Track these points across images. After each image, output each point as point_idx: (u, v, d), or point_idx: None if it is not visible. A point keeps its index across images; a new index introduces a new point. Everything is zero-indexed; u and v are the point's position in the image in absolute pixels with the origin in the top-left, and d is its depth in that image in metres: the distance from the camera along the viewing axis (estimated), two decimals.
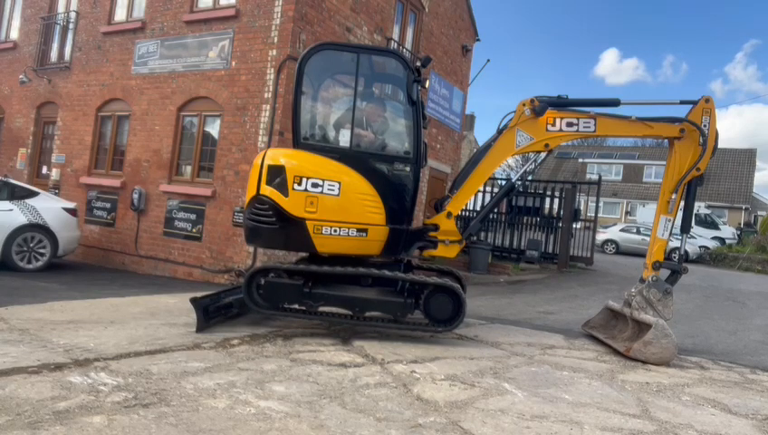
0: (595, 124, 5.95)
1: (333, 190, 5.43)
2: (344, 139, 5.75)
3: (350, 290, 5.48)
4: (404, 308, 5.39)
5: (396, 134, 6.00)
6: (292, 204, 5.38)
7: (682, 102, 6.07)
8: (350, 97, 5.78)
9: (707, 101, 6.02)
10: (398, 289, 5.51)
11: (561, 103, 5.97)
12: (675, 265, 6.23)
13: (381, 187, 5.51)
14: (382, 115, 6.07)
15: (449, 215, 5.95)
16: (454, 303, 5.37)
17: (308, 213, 5.38)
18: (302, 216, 5.38)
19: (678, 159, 6.23)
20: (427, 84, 6.05)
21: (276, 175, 5.43)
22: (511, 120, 6.01)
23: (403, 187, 5.64)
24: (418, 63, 5.94)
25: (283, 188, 5.40)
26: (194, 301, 5.24)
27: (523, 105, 5.92)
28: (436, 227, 5.93)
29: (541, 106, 5.87)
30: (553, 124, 5.94)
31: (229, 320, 5.63)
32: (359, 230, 5.46)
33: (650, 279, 5.91)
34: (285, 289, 5.44)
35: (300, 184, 5.40)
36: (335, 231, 5.43)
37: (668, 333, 5.32)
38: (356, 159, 5.53)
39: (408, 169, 5.66)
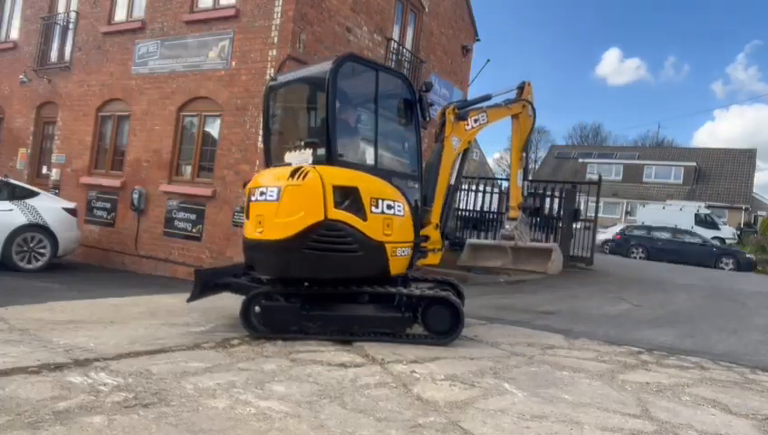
0: (487, 116, 7.12)
1: (401, 211, 5.38)
2: (370, 156, 5.61)
3: (347, 309, 5.34)
4: (402, 323, 5.32)
5: (406, 153, 6.07)
6: (372, 228, 5.14)
7: (517, 89, 8.02)
8: (370, 113, 5.68)
9: (529, 84, 8.02)
10: (396, 304, 5.41)
11: (466, 105, 6.91)
12: (528, 204, 8.66)
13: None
14: (397, 133, 6.05)
15: (437, 226, 6.11)
16: (452, 314, 5.33)
17: (385, 236, 5.23)
18: (382, 239, 5.19)
19: (520, 127, 8.00)
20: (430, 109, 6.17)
21: (346, 197, 5.08)
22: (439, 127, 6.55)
23: (416, 203, 5.73)
24: (423, 88, 5.97)
25: (359, 212, 5.10)
26: (197, 272, 5.26)
27: (449, 113, 6.42)
28: (426, 238, 5.99)
29: (463, 111, 6.59)
30: (468, 124, 6.75)
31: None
32: (410, 248, 5.52)
33: (520, 216, 7.98)
34: (283, 312, 5.19)
35: (377, 206, 5.17)
36: (403, 252, 5.39)
37: (559, 251, 7.76)
38: (381, 177, 5.42)
39: (416, 186, 5.81)
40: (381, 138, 5.71)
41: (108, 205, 11.20)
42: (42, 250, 9.30)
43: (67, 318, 5.31)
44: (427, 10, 12.80)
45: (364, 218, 5.12)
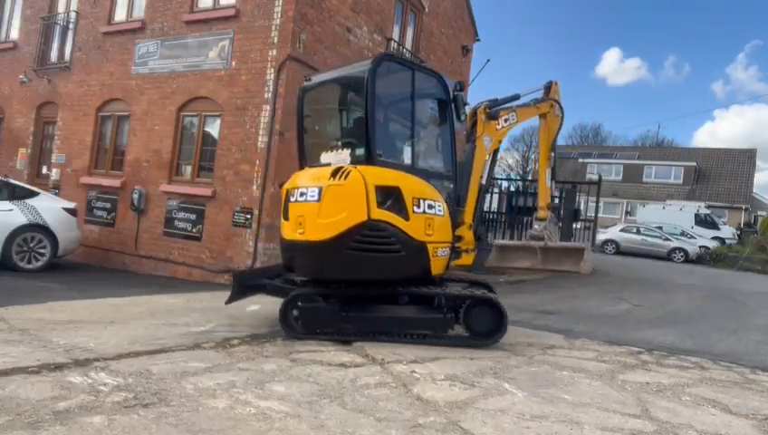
0: (516, 115, 7.27)
1: (441, 211, 5.35)
2: (407, 156, 5.58)
3: (387, 310, 5.28)
4: (444, 324, 5.27)
5: (441, 153, 6.02)
6: (414, 228, 5.11)
7: (544, 88, 8.30)
8: (407, 113, 5.64)
9: (556, 84, 8.26)
10: (435, 305, 5.36)
11: (496, 105, 6.95)
12: (556, 204, 8.95)
13: None
14: (432, 133, 6.02)
15: (470, 226, 6.14)
16: (495, 315, 5.30)
17: (427, 236, 5.20)
18: (424, 239, 5.17)
19: (548, 126, 8.19)
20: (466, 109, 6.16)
21: (388, 197, 5.05)
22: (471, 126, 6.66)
23: (452, 203, 5.74)
24: (457, 87, 5.91)
25: (402, 212, 5.07)
26: (234, 274, 5.30)
27: (480, 113, 6.48)
28: (459, 239, 5.97)
29: (494, 111, 6.65)
30: (498, 123, 6.84)
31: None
32: (450, 249, 5.49)
33: (549, 217, 8.27)
34: (322, 314, 5.16)
35: (419, 206, 5.14)
36: (443, 252, 5.36)
37: (590, 250, 7.83)
38: (419, 177, 5.39)
39: (451, 186, 5.81)
40: (417, 137, 5.70)
41: (108, 205, 11.20)
42: (42, 250, 9.30)
43: (67, 318, 5.31)
44: (427, 10, 12.81)
45: (406, 218, 5.09)
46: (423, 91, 5.79)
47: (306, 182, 5.31)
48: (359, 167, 5.08)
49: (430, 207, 5.23)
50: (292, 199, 5.35)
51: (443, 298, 5.34)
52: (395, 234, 5.02)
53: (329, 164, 5.40)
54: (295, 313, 5.18)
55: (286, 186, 5.58)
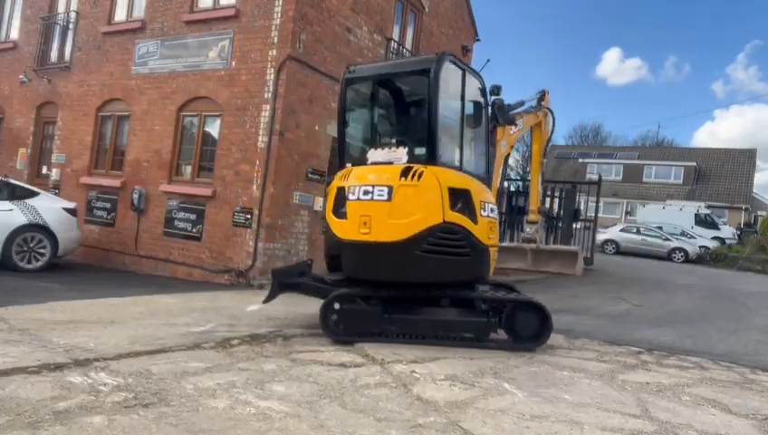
0: (523, 122, 7.35)
1: (496, 214, 5.41)
2: (456, 158, 5.49)
3: (430, 313, 5.22)
4: (487, 327, 5.24)
5: (480, 156, 6.01)
6: (481, 231, 5.10)
7: (537, 96, 8.48)
8: (455, 113, 5.54)
9: (547, 93, 8.52)
10: (476, 307, 5.33)
11: (509, 109, 7.05)
12: (545, 208, 9.24)
13: None
14: (473, 135, 5.95)
15: None
16: (539, 318, 5.28)
17: (489, 239, 5.22)
18: (487, 243, 5.20)
19: (542, 134, 8.30)
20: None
21: (458, 199, 5.03)
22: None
23: None
24: (495, 91, 5.93)
25: (471, 214, 5.07)
26: (274, 272, 5.29)
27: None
28: None
29: (511, 115, 6.81)
30: (512, 129, 6.91)
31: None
32: (498, 251, 5.54)
33: (541, 220, 8.61)
34: (364, 316, 5.07)
35: (484, 210, 5.15)
36: (496, 255, 5.40)
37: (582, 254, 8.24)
38: None
39: (488, 188, 5.83)
40: (465, 139, 5.64)
41: (108, 205, 11.19)
42: (42, 250, 9.29)
43: (67, 318, 5.31)
44: (427, 10, 12.80)
45: (475, 222, 5.09)
46: (470, 93, 5.72)
47: (370, 180, 5.14)
48: (429, 167, 5.03)
49: (492, 210, 5.30)
50: (351, 197, 5.17)
51: (488, 302, 5.29)
52: (466, 237, 5.02)
53: (390, 162, 5.28)
54: (335, 314, 5.07)
55: (338, 183, 5.41)
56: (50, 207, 9.52)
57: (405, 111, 5.99)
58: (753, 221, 35.47)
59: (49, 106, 12.76)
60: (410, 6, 12.32)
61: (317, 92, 9.78)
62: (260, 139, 9.30)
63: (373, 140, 5.89)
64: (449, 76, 5.48)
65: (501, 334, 5.43)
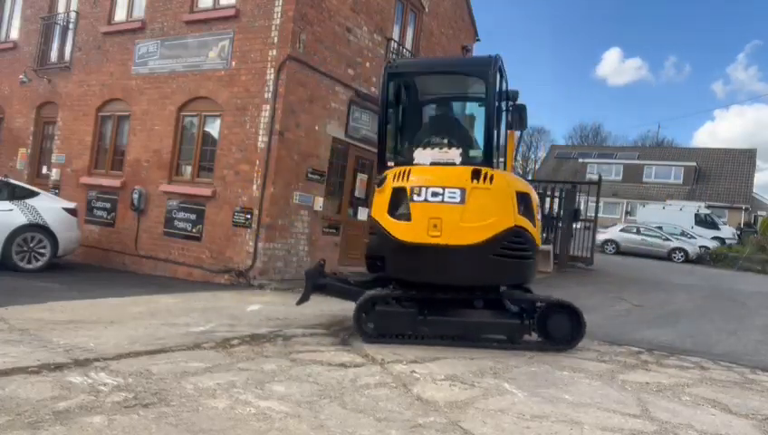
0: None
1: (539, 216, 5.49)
2: (496, 161, 5.46)
3: (465, 315, 5.22)
4: (521, 329, 5.26)
5: (504, 159, 6.02)
6: (537, 234, 5.18)
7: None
8: (494, 116, 5.47)
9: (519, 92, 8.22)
10: (508, 309, 5.36)
11: None
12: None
13: None
14: (502, 139, 5.94)
15: None
16: (572, 320, 5.31)
17: (540, 242, 5.37)
18: (539, 244, 5.31)
19: (514, 136, 8.02)
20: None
21: (522, 203, 5.05)
22: None
23: None
24: (514, 96, 5.82)
25: (531, 218, 5.13)
26: (307, 273, 5.29)
27: None
28: None
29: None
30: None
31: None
32: None
33: None
34: (399, 318, 5.06)
35: (539, 213, 5.27)
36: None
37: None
38: None
39: None
40: (500, 143, 5.66)
41: (108, 205, 11.19)
42: (42, 250, 9.29)
43: (67, 318, 5.31)
44: (427, 10, 12.80)
45: (534, 225, 5.17)
46: (512, 96, 5.72)
47: (437, 181, 5.06)
48: (496, 171, 5.09)
49: (538, 211, 5.40)
50: (416, 199, 5.07)
51: (523, 303, 5.34)
52: (530, 240, 5.07)
53: (452, 163, 5.25)
54: (370, 316, 5.06)
55: (396, 183, 5.22)
56: (50, 207, 9.52)
57: (453, 111, 5.97)
58: (753, 221, 35.47)
59: (49, 106, 12.76)
60: (410, 6, 12.32)
61: (317, 92, 9.78)
62: (260, 139, 9.30)
63: (420, 139, 5.73)
64: (500, 79, 5.53)
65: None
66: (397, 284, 5.27)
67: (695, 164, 39.53)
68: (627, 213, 38.68)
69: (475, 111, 5.76)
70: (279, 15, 9.29)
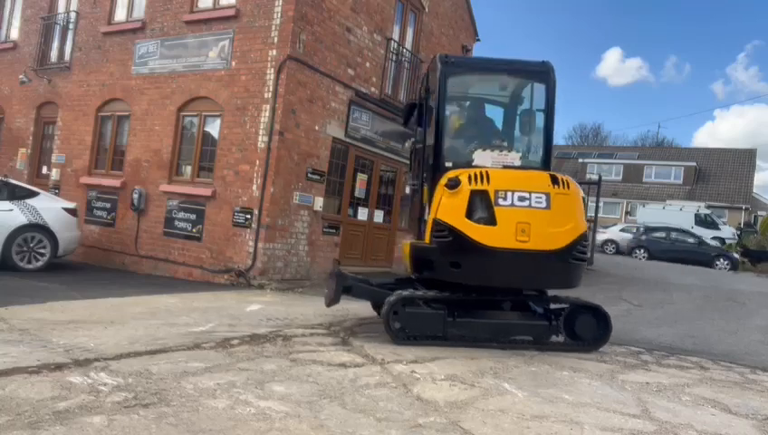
0: None
1: None
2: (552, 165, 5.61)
3: (493, 316, 5.25)
4: (549, 331, 5.31)
5: None
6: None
7: None
8: (542, 120, 5.61)
9: None
10: (533, 311, 5.39)
11: None
12: None
13: None
14: None
15: None
16: (599, 321, 5.35)
17: None
18: None
19: None
20: None
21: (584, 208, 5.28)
22: None
23: None
24: None
25: (585, 223, 5.25)
26: (337, 275, 5.28)
27: None
28: None
29: None
30: None
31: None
32: None
33: None
34: (428, 319, 5.08)
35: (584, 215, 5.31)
36: None
37: None
38: None
39: None
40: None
41: (108, 205, 11.19)
42: (42, 250, 9.29)
43: (67, 318, 5.31)
44: (427, 10, 12.80)
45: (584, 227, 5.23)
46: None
47: (522, 186, 5.00)
48: (567, 176, 5.16)
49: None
50: (502, 203, 4.95)
51: (550, 305, 5.40)
52: (587, 245, 5.19)
53: (521, 167, 5.30)
54: (399, 316, 5.07)
55: (474, 186, 5.02)
56: (50, 208, 9.52)
57: (510, 113, 5.95)
58: (753, 221, 35.46)
59: (49, 106, 12.76)
60: (410, 6, 12.32)
61: (317, 92, 9.78)
62: (260, 139, 9.30)
63: (481, 141, 5.67)
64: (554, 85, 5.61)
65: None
66: (423, 285, 5.30)
67: (695, 164, 39.52)
68: (627, 213, 38.69)
69: (527, 114, 5.77)
70: (279, 15, 9.29)
